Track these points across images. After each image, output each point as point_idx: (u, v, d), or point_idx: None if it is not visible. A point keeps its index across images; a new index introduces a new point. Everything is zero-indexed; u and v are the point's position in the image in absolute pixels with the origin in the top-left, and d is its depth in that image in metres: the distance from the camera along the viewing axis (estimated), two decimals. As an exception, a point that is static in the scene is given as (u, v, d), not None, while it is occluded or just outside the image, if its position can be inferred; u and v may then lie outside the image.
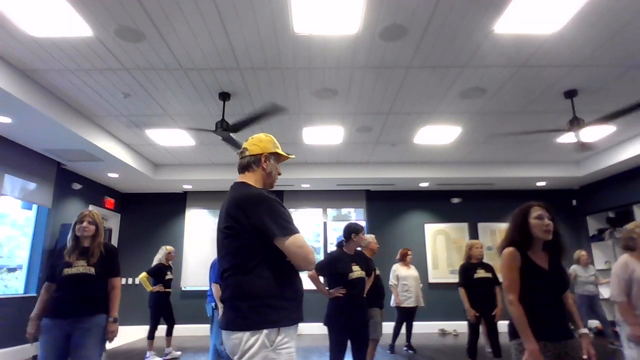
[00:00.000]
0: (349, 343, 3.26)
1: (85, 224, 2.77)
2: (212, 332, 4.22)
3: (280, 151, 1.83)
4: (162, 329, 5.67)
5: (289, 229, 1.55)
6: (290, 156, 1.87)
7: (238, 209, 1.58)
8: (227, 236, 1.60)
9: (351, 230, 3.39)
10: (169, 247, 5.85)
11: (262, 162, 1.77)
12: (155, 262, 5.73)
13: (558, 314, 2.07)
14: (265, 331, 1.47)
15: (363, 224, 8.55)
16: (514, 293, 2.04)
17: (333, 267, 3.29)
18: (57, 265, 2.75)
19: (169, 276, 5.68)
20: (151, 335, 5.49)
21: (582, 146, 5.06)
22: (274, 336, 1.48)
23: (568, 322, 2.12)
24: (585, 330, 2.11)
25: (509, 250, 2.12)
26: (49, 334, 2.64)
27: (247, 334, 1.48)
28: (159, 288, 5.51)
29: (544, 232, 2.08)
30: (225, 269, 1.62)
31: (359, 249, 3.55)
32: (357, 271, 3.31)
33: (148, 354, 5.42)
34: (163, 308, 5.63)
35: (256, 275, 1.54)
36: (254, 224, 1.55)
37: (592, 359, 2.01)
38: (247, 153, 1.79)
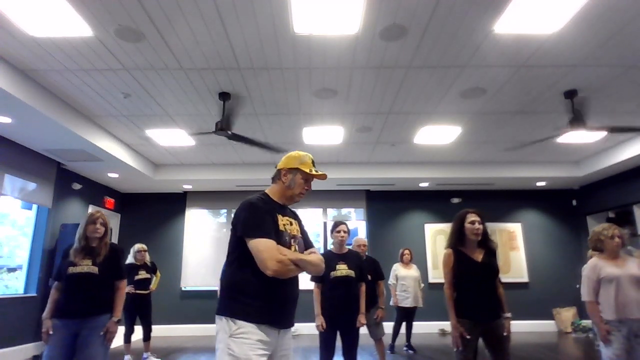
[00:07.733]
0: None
1: (98, 225, 2.85)
2: None
3: (303, 168, 1.91)
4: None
5: (254, 233, 1.70)
6: (314, 173, 1.92)
7: (235, 212, 1.86)
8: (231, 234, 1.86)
9: (331, 230, 3.49)
10: (138, 245, 5.47)
11: (281, 176, 1.92)
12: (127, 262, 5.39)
13: (486, 298, 2.62)
14: (224, 318, 1.69)
15: (363, 224, 8.58)
16: (447, 283, 2.71)
17: None
18: (63, 264, 2.81)
19: (140, 276, 5.29)
20: (127, 339, 5.29)
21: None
22: (232, 325, 1.66)
23: (496, 305, 2.63)
24: (508, 315, 2.63)
25: (445, 251, 2.75)
26: (56, 333, 2.69)
27: (217, 317, 1.73)
28: (128, 289, 5.03)
29: (474, 234, 2.69)
30: None
31: (349, 247, 3.56)
32: (341, 270, 3.31)
33: (126, 357, 5.22)
34: (136, 310, 5.28)
35: (232, 270, 1.77)
36: (235, 225, 1.80)
37: (508, 335, 2.58)
38: (276, 167, 1.99)
